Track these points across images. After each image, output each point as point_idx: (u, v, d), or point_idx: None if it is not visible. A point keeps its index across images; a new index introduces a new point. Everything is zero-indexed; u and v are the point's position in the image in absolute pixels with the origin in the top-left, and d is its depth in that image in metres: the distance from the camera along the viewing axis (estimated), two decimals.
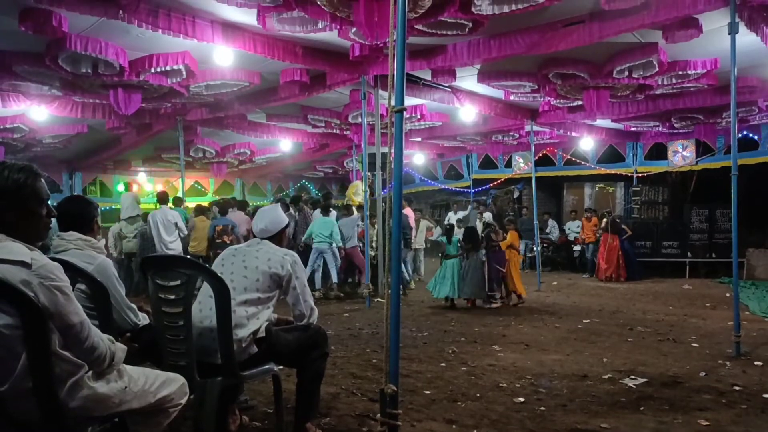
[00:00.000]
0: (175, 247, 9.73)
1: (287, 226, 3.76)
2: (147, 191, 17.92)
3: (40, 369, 1.97)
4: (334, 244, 10.14)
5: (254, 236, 3.59)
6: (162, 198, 10.42)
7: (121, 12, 6.33)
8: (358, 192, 11.46)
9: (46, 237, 2.21)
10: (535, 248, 13.16)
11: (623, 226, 13.33)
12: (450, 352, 5.97)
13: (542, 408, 4.17)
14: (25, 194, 2.06)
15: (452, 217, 18.24)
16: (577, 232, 14.79)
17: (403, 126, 3.11)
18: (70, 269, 2.59)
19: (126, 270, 11.22)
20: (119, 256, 11.44)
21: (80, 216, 3.18)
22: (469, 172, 19.27)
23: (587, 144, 15.86)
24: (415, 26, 6.87)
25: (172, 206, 10.85)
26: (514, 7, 6.38)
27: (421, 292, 10.61)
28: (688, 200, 16.11)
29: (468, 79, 9.83)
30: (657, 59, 8.06)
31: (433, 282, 9.32)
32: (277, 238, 3.56)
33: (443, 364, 5.44)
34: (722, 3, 6.08)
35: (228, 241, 10.26)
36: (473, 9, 6.44)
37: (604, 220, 13.49)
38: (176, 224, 9.78)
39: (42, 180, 2.13)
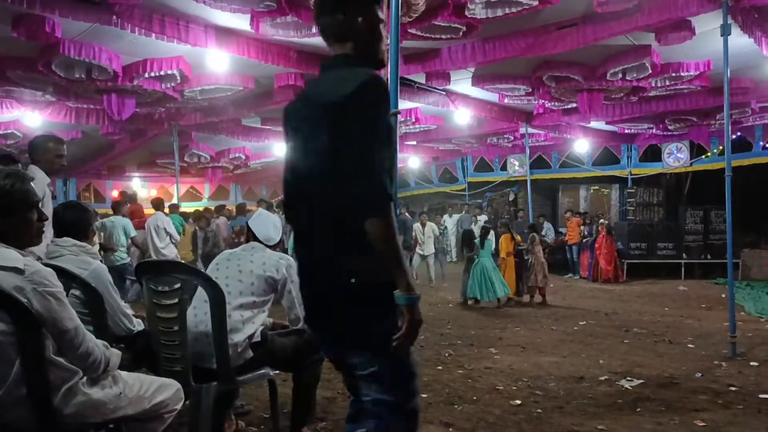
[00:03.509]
0: (168, 253, 9.70)
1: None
2: (141, 197, 17.85)
3: (34, 375, 1.97)
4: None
5: (247, 241, 3.59)
6: (156, 204, 10.42)
7: (114, 17, 6.31)
8: None
9: (39, 242, 2.20)
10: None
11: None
12: (446, 355, 5.96)
13: (539, 410, 4.17)
14: (15, 200, 2.05)
15: (447, 221, 18.29)
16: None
17: (398, 129, 3.12)
18: (65, 275, 2.59)
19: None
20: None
21: (77, 223, 3.17)
22: (464, 175, 19.30)
23: (582, 146, 15.90)
24: (409, 30, 6.88)
25: (168, 213, 10.81)
26: (507, 10, 6.40)
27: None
28: (682, 202, 16.16)
29: (462, 83, 9.85)
30: (650, 61, 8.09)
31: (475, 287, 9.23)
32: (276, 244, 3.58)
33: (440, 368, 5.43)
34: (715, 5, 6.11)
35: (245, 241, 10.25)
36: (467, 13, 6.46)
37: (601, 222, 13.52)
38: (166, 230, 9.76)
39: (31, 184, 2.12)
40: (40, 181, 4.20)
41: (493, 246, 9.76)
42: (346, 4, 1.99)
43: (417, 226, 12.34)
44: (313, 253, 1.96)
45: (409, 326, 1.79)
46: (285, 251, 10.30)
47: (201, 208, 14.15)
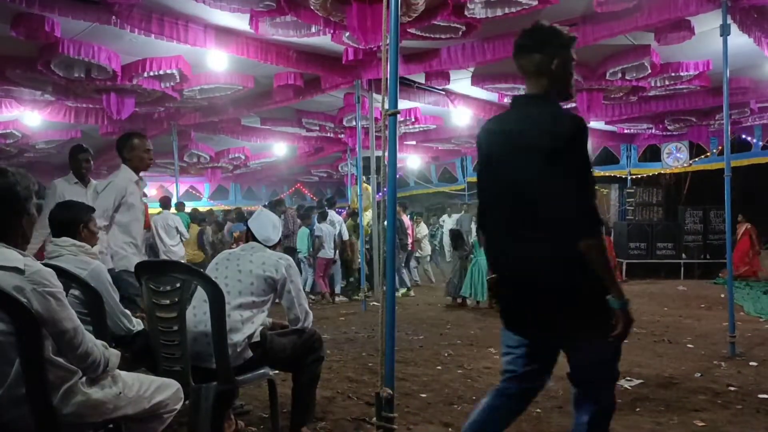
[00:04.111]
0: (178, 251, 9.68)
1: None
2: None
3: (34, 375, 1.96)
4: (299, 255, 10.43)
5: (246, 241, 3.59)
6: (164, 203, 10.45)
7: (114, 17, 6.32)
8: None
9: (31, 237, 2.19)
10: None
11: None
12: (446, 355, 5.96)
13: (538, 410, 4.17)
14: (17, 199, 2.05)
15: (447, 221, 18.29)
16: None
17: (398, 129, 3.11)
18: (64, 275, 2.59)
19: None
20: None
21: (67, 222, 3.16)
22: (463, 175, 19.29)
23: None
24: (409, 30, 6.88)
25: (175, 211, 10.84)
26: (507, 10, 6.41)
27: (417, 296, 10.60)
28: (682, 202, 16.16)
29: (462, 82, 9.85)
30: (649, 61, 8.10)
31: (468, 286, 9.19)
32: (276, 244, 3.57)
33: (439, 367, 5.43)
34: (714, 5, 6.12)
35: None
36: (466, 13, 6.47)
37: None
38: (177, 228, 9.75)
39: (30, 183, 2.12)
40: (123, 180, 4.22)
41: None
42: (544, 46, 2.35)
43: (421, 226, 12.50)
44: (520, 263, 2.29)
45: (624, 326, 2.26)
46: (292, 250, 10.31)
47: (204, 209, 14.18)
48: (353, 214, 11.01)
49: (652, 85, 9.41)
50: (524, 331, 2.43)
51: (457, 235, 10.02)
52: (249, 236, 3.57)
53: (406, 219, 11.93)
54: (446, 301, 9.73)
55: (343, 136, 13.41)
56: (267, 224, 3.52)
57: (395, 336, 3.12)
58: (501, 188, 2.34)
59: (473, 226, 15.21)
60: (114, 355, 2.27)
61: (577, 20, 7.13)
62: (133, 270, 3.32)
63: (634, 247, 14.02)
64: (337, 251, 10.41)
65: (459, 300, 9.45)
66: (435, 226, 17.90)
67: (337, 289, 10.52)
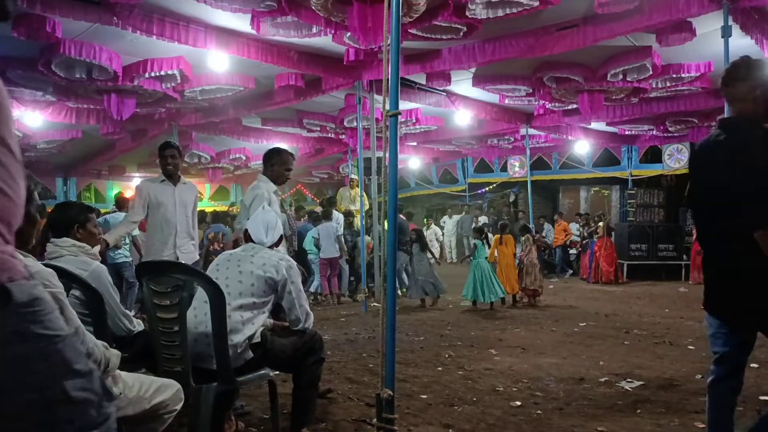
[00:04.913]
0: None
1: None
2: None
3: None
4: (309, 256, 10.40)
5: (247, 241, 3.58)
6: None
7: (115, 18, 6.32)
8: (353, 199, 11.44)
9: (33, 241, 2.19)
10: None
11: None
12: (446, 356, 5.95)
13: (539, 412, 4.17)
14: (29, 200, 2.04)
15: (447, 222, 18.31)
16: (578, 234, 14.84)
17: (399, 130, 3.12)
18: (65, 275, 2.59)
19: None
20: None
21: (63, 223, 3.16)
22: (464, 175, 19.30)
23: (582, 147, 15.90)
24: (410, 31, 6.88)
25: None
26: (508, 11, 6.41)
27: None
28: (683, 203, 16.13)
29: (463, 83, 9.85)
30: (651, 62, 8.10)
31: (470, 288, 9.16)
32: (275, 245, 3.56)
33: (440, 369, 5.43)
34: (715, 6, 6.13)
35: (219, 248, 10.23)
36: (467, 13, 6.47)
37: (600, 223, 13.51)
38: None
39: (33, 185, 2.12)
40: (265, 191, 4.41)
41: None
42: (747, 78, 2.78)
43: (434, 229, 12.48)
44: (728, 251, 2.73)
45: None
46: (294, 251, 10.28)
47: (209, 209, 14.14)
48: (348, 214, 11.01)
49: (654, 86, 9.41)
50: (733, 318, 2.94)
51: (420, 235, 10.02)
52: (248, 237, 3.57)
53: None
54: (450, 301, 9.71)
55: (344, 136, 13.41)
56: (260, 226, 3.49)
57: (395, 337, 3.12)
58: (709, 199, 2.76)
59: (473, 228, 15.23)
60: (114, 355, 2.27)
61: (578, 21, 7.13)
62: None
63: (635, 248, 14.00)
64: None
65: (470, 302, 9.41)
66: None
67: (342, 289, 10.54)
